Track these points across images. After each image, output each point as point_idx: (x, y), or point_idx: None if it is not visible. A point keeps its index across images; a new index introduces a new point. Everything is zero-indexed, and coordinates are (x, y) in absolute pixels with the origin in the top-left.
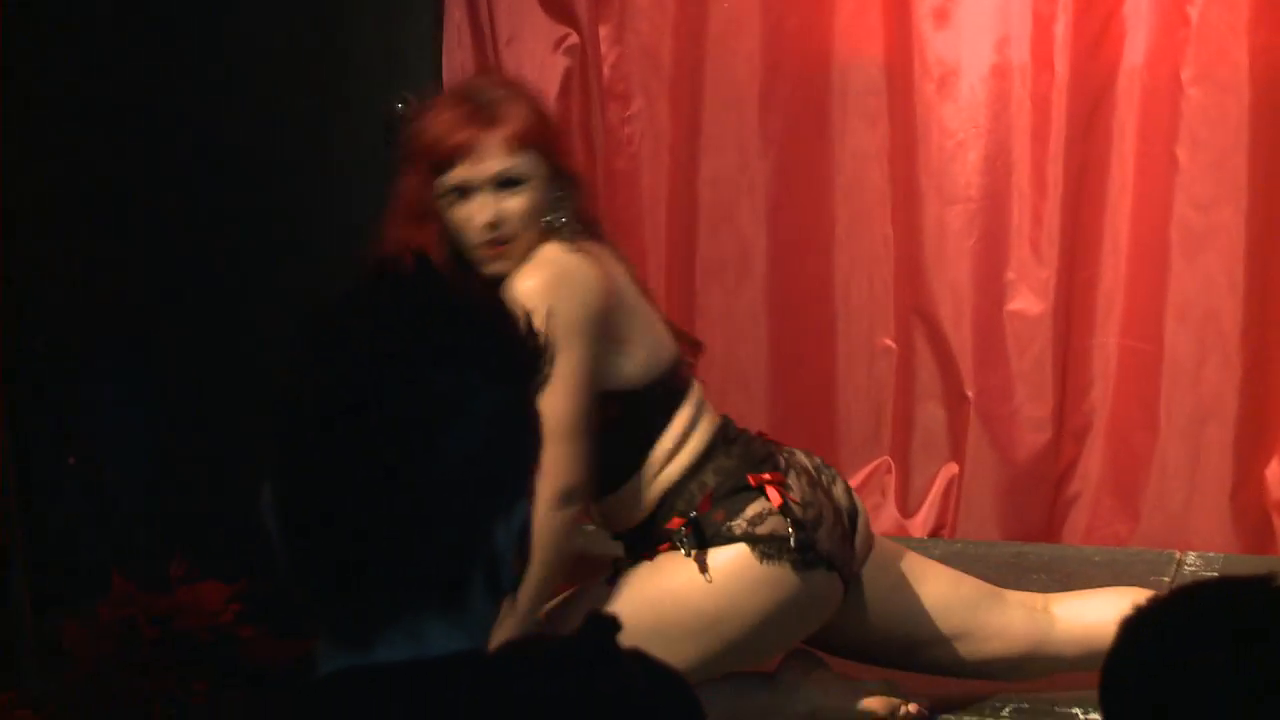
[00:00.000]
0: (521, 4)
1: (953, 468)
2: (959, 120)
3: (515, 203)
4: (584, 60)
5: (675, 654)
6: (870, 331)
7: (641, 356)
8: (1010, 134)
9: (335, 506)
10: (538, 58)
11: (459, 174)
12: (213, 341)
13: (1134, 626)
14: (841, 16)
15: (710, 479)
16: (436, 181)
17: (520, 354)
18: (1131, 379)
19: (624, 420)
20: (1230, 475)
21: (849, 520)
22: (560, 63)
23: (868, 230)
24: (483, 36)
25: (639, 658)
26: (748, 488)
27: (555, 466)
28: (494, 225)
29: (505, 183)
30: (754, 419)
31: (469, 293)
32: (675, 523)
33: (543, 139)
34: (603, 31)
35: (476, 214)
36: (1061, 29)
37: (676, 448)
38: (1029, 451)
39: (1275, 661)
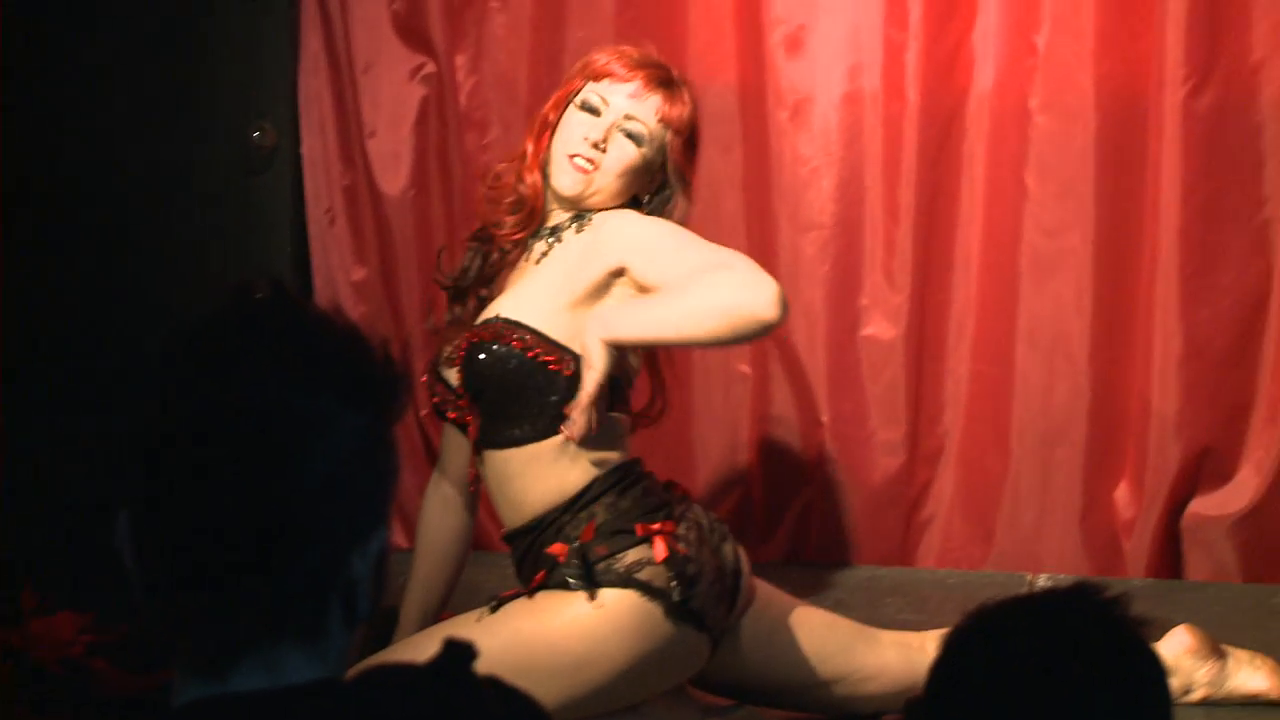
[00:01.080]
0: (378, 32)
1: (808, 492)
2: (812, 147)
3: (626, 150)
4: (441, 89)
5: (539, 693)
6: (726, 358)
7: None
8: (863, 161)
9: (191, 533)
10: (394, 86)
11: (608, 91)
12: (63, 368)
13: (956, 640)
14: (695, 44)
15: (600, 513)
16: (587, 86)
17: (379, 381)
18: (983, 402)
19: (569, 381)
20: (1080, 498)
21: (732, 579)
22: (417, 91)
23: None
24: (339, 64)
25: (496, 685)
26: (633, 533)
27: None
28: (598, 145)
29: (631, 134)
30: None
31: (328, 319)
32: (557, 548)
33: (684, 139)
34: (459, 60)
35: (592, 129)
36: (912, 57)
37: (587, 450)
38: (883, 475)
39: (1091, 673)
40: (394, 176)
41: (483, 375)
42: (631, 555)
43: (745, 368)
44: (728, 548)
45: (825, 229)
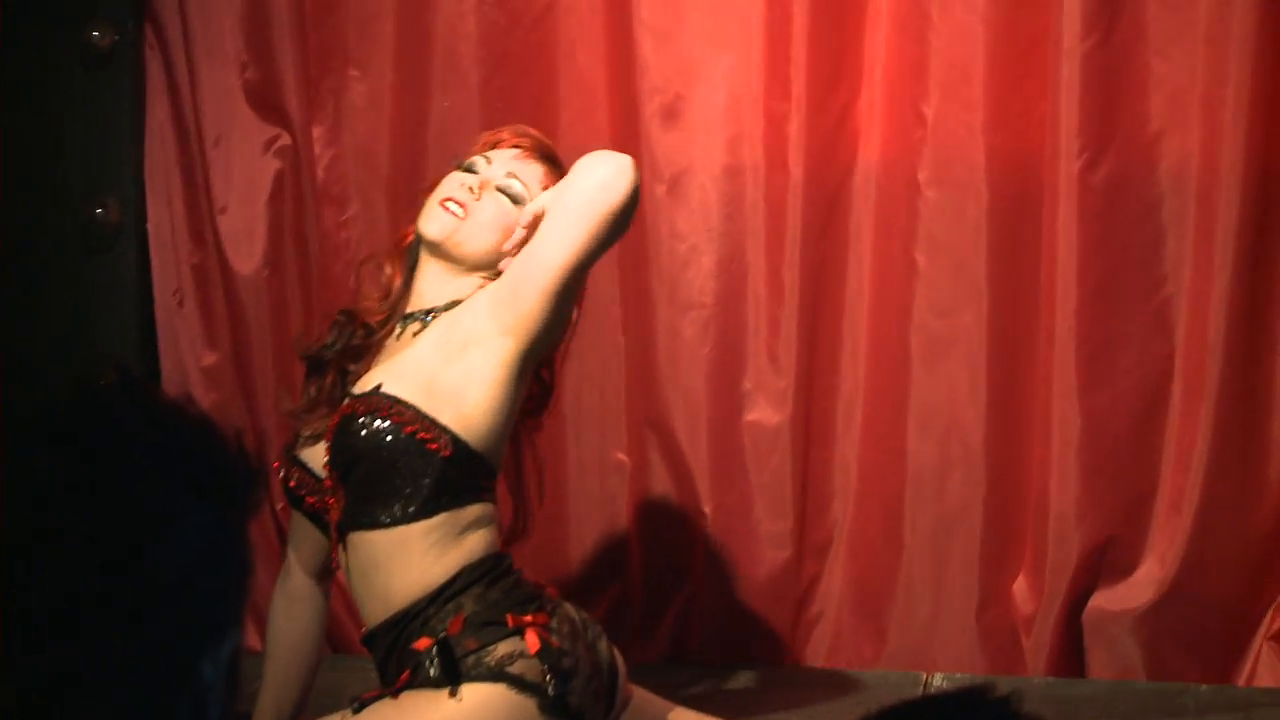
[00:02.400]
0: (229, 102)
1: (690, 588)
2: (691, 223)
3: (502, 205)
4: (297, 162)
5: None
6: (602, 445)
7: (499, 421)
8: (744, 237)
9: (30, 634)
10: (247, 159)
11: (492, 154)
12: None
13: None
14: (566, 114)
15: (469, 604)
16: (469, 158)
17: (231, 473)
18: (874, 491)
19: (450, 467)
20: (976, 592)
21: (609, 677)
22: (271, 165)
23: (598, 339)
24: (188, 137)
25: None
26: (504, 625)
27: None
28: (473, 191)
29: (510, 193)
30: None
31: (176, 408)
32: (423, 643)
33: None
34: (316, 132)
35: (469, 179)
36: (795, 128)
37: (455, 538)
38: (769, 569)
39: None
40: (247, 255)
41: (356, 450)
42: (503, 648)
43: (622, 455)
44: (603, 645)
45: (705, 309)
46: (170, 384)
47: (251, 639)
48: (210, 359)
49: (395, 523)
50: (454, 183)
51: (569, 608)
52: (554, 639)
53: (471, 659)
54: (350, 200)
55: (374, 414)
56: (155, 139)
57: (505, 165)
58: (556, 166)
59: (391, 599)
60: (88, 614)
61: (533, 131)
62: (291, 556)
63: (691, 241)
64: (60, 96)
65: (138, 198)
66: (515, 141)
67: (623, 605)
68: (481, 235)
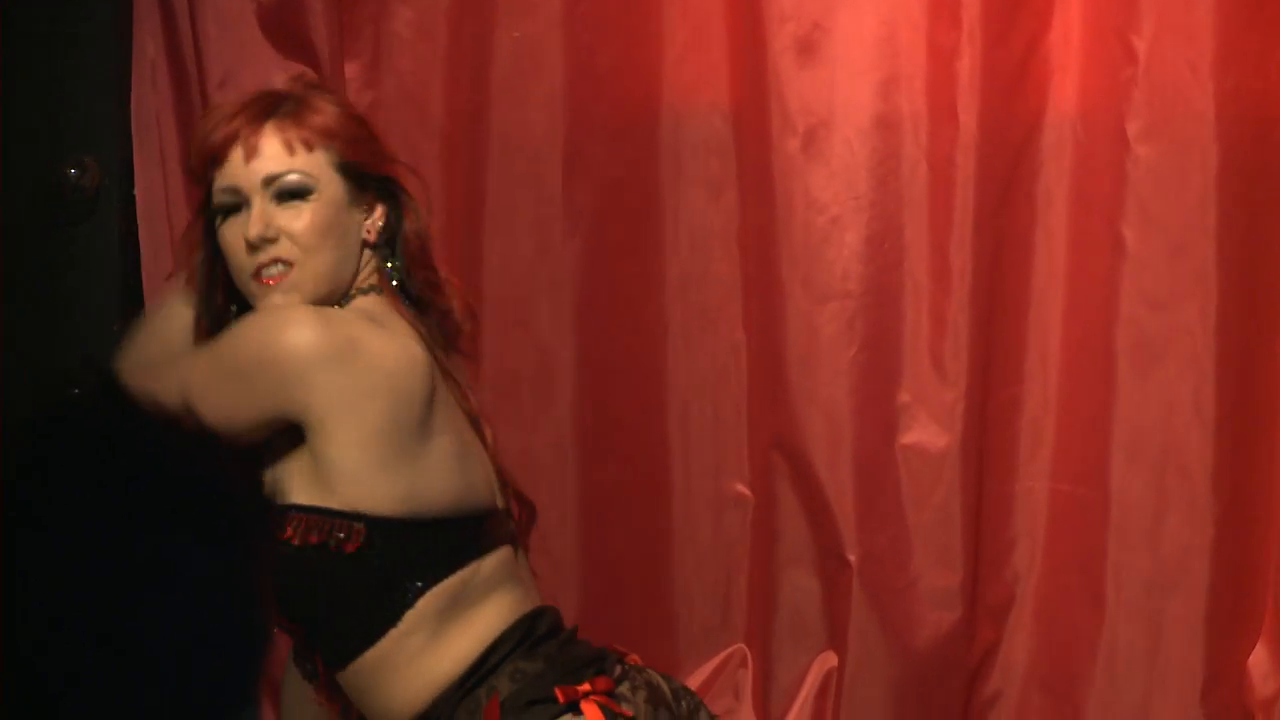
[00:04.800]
0: (239, 33)
1: (830, 658)
2: (832, 189)
3: (299, 217)
4: None
5: None
6: (716, 475)
7: (418, 479)
8: (901, 208)
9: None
10: None
11: (225, 176)
12: None
13: None
14: (673, 51)
15: (504, 685)
16: (211, 187)
17: (238, 506)
18: (1068, 537)
19: (371, 557)
20: (1201, 666)
21: None
22: None
23: (712, 338)
24: (186, 77)
25: None
26: (554, 701)
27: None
28: (265, 241)
29: (285, 192)
30: (558, 594)
31: (171, 421)
32: None
33: (351, 139)
34: (350, 70)
35: (248, 227)
36: (966, 66)
37: (455, 621)
38: (933, 635)
39: None
40: None
41: (283, 591)
42: None
43: (742, 488)
44: (704, 717)
45: (851, 300)
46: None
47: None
48: None
49: (365, 647)
50: (240, 246)
51: (653, 674)
52: (624, 708)
53: None
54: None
55: (282, 541)
56: (144, 80)
57: (255, 171)
58: (284, 105)
59: (403, 710)
60: (65, 692)
61: (231, 108)
62: None
63: (833, 213)
64: (24, 30)
65: (122, 154)
66: (228, 138)
67: (738, 679)
68: (311, 261)
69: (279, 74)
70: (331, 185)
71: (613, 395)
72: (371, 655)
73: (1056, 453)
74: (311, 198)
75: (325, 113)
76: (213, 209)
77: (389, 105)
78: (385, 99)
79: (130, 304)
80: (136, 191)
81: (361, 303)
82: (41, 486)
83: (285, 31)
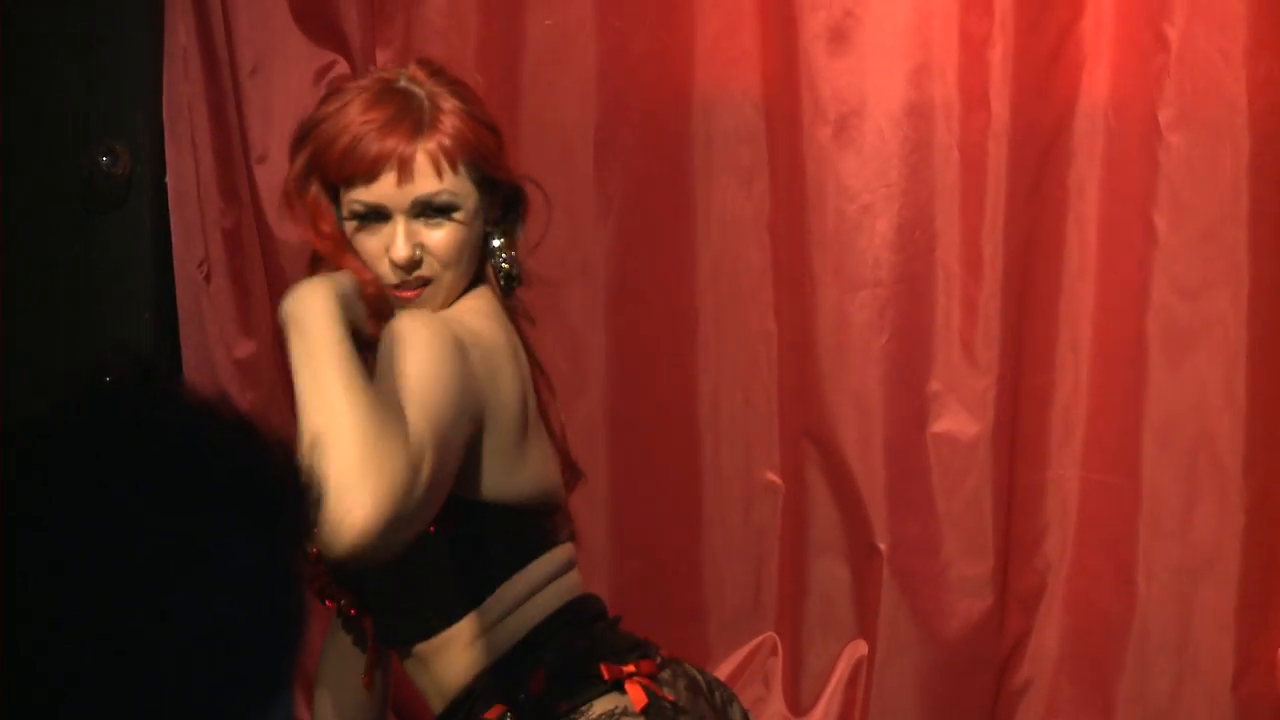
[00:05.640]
0: (271, 22)
1: (860, 646)
2: (863, 177)
3: (441, 236)
4: None
5: None
6: (747, 463)
7: (520, 468)
8: (932, 196)
9: (34, 700)
10: (293, 93)
11: (373, 193)
12: None
13: None
14: (705, 39)
15: (551, 658)
16: (344, 197)
17: (276, 492)
18: (1099, 525)
19: (466, 541)
20: (1232, 654)
21: None
22: None
23: (743, 326)
24: (218, 65)
25: None
26: (598, 678)
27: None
28: (415, 263)
29: (432, 209)
30: (588, 582)
31: (205, 410)
32: (494, 711)
33: (483, 152)
34: (381, 57)
35: (392, 247)
36: (998, 54)
37: (519, 603)
38: (963, 624)
39: None
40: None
41: (360, 572)
42: (601, 706)
43: (773, 476)
44: (736, 712)
45: (882, 288)
46: (195, 379)
47: (301, 711)
48: (245, 348)
49: (446, 624)
50: (384, 262)
51: (689, 666)
52: (667, 692)
53: None
54: None
55: None
56: (177, 69)
57: (408, 191)
58: (424, 116)
59: (455, 681)
60: (101, 679)
61: (376, 116)
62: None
63: (864, 201)
64: (56, 16)
65: (154, 143)
66: (379, 158)
67: (768, 668)
68: (447, 273)
69: (310, 62)
70: (470, 199)
71: (644, 382)
72: (444, 636)
73: (1088, 441)
74: (455, 215)
75: (464, 122)
76: (343, 214)
77: None
78: None
79: (161, 291)
80: (168, 179)
81: (471, 302)
82: (77, 474)
83: (317, 19)
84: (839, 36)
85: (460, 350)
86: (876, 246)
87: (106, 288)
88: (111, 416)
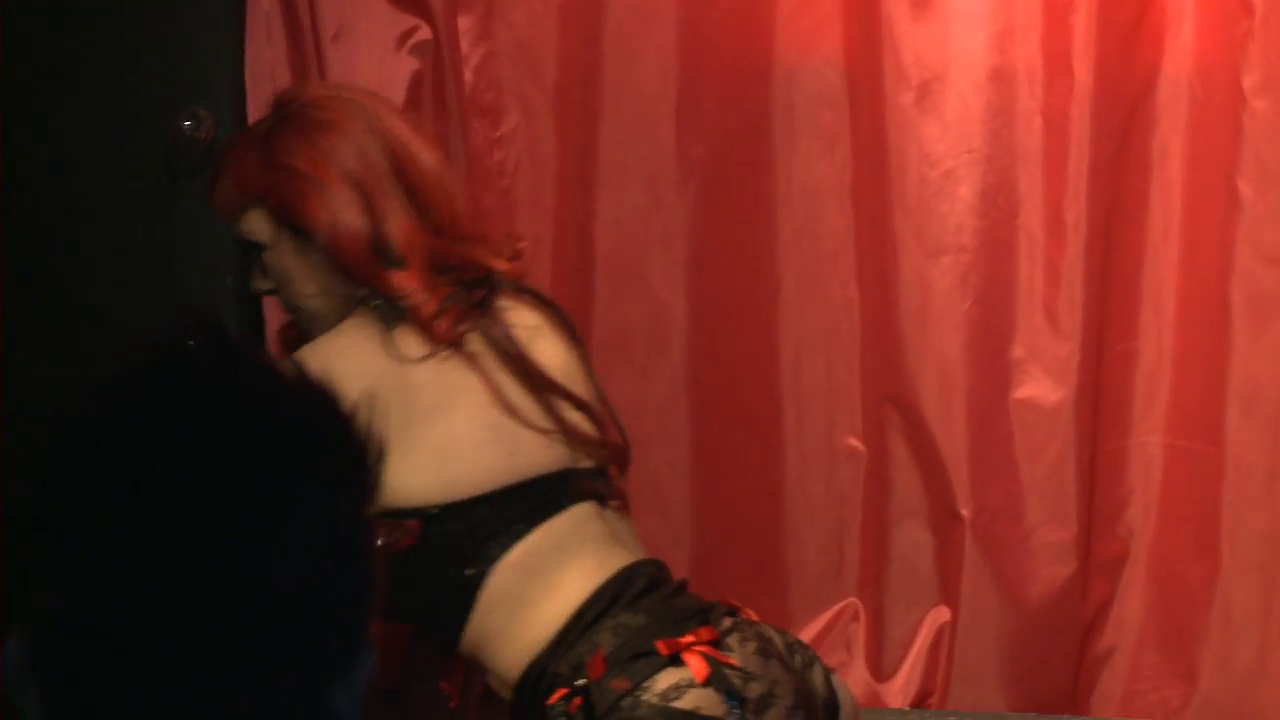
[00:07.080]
0: None
1: (943, 613)
2: (946, 143)
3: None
4: (438, 62)
5: None
6: (829, 429)
7: (460, 463)
8: (1015, 161)
9: (111, 664)
10: (375, 59)
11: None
12: None
13: None
14: (786, 4)
15: (606, 640)
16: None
17: (355, 451)
18: (1182, 492)
19: (425, 550)
20: None
21: (826, 714)
22: (407, 65)
23: (825, 293)
24: (301, 30)
25: None
26: (657, 654)
27: None
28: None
29: (253, 246)
30: (670, 548)
31: (283, 371)
32: (556, 696)
33: (260, 189)
34: (464, 23)
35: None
36: (1082, 20)
37: (544, 589)
38: (1046, 591)
39: None
40: None
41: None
42: (664, 680)
43: (855, 442)
44: (817, 675)
45: (965, 253)
46: (274, 343)
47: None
48: None
49: (454, 637)
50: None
51: (767, 628)
52: (731, 658)
53: (628, 702)
54: (507, 111)
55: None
56: (260, 34)
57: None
58: (223, 172)
59: (508, 676)
60: (183, 637)
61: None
62: None
63: (946, 166)
64: None
65: (236, 107)
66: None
67: (849, 635)
68: (307, 302)
69: (393, 28)
70: (267, 237)
71: (725, 349)
72: (466, 640)
73: (1171, 407)
74: (261, 252)
75: (241, 159)
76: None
77: (502, 58)
78: (498, 52)
79: (242, 259)
80: None
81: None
82: (161, 437)
83: None
84: (921, 2)
85: None
86: (959, 212)
87: (188, 253)
88: (192, 379)
